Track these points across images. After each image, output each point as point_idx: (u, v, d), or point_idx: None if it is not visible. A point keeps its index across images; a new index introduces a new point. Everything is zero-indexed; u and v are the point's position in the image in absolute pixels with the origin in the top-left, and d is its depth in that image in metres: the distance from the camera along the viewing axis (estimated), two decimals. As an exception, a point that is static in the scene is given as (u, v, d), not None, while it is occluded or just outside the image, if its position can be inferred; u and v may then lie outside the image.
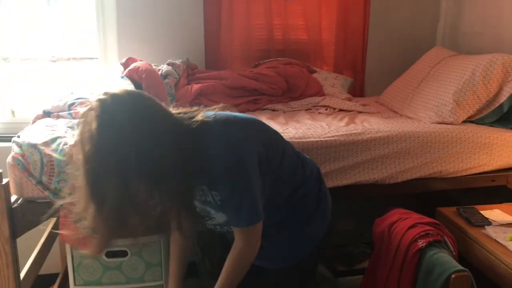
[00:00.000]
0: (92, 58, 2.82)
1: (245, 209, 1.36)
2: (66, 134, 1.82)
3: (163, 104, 1.35)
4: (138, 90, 1.38)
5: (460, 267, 1.43)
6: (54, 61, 2.77)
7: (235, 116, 1.44)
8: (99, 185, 1.23)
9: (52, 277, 2.59)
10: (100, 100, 1.24)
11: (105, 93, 1.26)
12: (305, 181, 1.54)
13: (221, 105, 1.46)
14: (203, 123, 1.34)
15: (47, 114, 2.10)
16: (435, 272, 1.46)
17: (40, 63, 2.75)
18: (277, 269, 1.55)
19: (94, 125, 1.21)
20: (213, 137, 1.33)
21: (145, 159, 1.23)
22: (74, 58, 2.80)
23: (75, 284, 1.97)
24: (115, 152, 1.21)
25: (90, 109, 1.24)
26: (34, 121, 2.08)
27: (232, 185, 1.34)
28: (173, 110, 1.38)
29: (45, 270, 2.44)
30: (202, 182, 1.38)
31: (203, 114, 1.38)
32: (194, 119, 1.34)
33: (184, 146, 1.29)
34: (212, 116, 1.38)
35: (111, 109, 1.23)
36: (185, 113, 1.38)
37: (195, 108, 1.41)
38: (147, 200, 1.32)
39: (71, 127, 1.90)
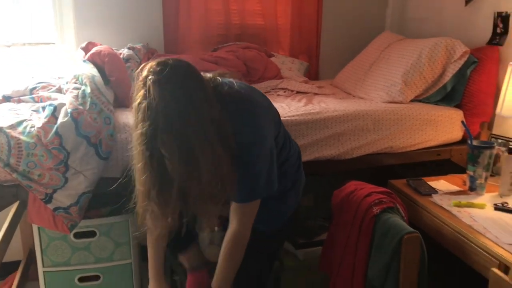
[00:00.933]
0: (49, 43, 2.78)
1: (247, 183, 1.41)
2: (32, 117, 1.83)
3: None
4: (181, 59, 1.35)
5: (411, 229, 1.57)
6: (9, 47, 2.72)
7: (252, 90, 1.48)
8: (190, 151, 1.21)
9: (14, 265, 2.57)
10: (159, 70, 1.22)
11: (158, 63, 1.24)
12: (288, 159, 1.63)
13: (229, 72, 1.50)
14: (228, 93, 1.37)
15: (7, 98, 2.08)
16: (389, 235, 1.60)
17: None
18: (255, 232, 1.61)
19: (161, 96, 1.19)
20: (238, 111, 1.37)
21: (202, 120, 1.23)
22: (29, 43, 2.76)
23: (43, 266, 1.99)
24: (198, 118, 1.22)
25: (149, 83, 1.21)
26: (-6, 106, 2.07)
27: (248, 158, 1.38)
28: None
29: (6, 258, 2.43)
30: None
31: (222, 81, 1.40)
32: (219, 88, 1.37)
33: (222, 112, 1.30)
34: (233, 86, 1.39)
35: (172, 78, 1.22)
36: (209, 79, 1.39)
37: (209, 74, 1.42)
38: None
39: (36, 111, 1.91)
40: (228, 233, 1.48)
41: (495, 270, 1.47)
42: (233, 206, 1.47)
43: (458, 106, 2.39)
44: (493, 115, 2.31)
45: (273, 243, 1.74)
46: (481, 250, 1.58)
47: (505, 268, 1.48)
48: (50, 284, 2.02)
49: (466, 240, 1.65)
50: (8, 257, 2.57)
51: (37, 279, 2.05)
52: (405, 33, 2.97)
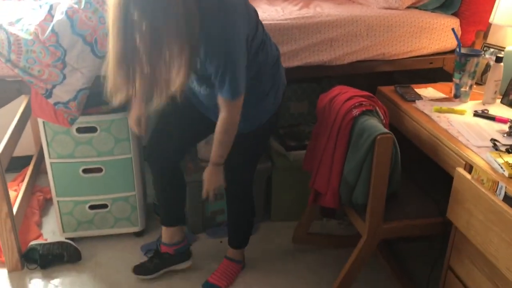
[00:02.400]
0: None
1: (229, 82, 1.54)
2: (30, 15, 1.90)
3: None
4: None
5: (385, 130, 1.66)
6: None
7: None
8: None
9: (27, 159, 2.77)
10: None
11: None
12: (266, 62, 1.73)
13: None
14: None
15: (7, -3, 2.13)
16: (364, 136, 1.69)
17: None
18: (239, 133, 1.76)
19: None
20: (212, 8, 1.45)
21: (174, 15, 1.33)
22: None
23: (50, 157, 2.16)
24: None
25: None
26: (-5, 5, 2.13)
27: (224, 57, 1.50)
28: None
29: (19, 152, 2.61)
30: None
31: None
32: None
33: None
34: None
35: None
36: None
37: None
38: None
39: (34, 9, 1.97)
40: (219, 120, 1.65)
41: (460, 169, 1.58)
42: (220, 99, 1.61)
43: (455, 14, 2.36)
44: (490, 24, 2.29)
45: (254, 142, 1.89)
46: (451, 152, 1.68)
47: (470, 168, 1.59)
48: (57, 175, 2.20)
49: (439, 143, 1.75)
50: (23, 151, 2.78)
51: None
52: None
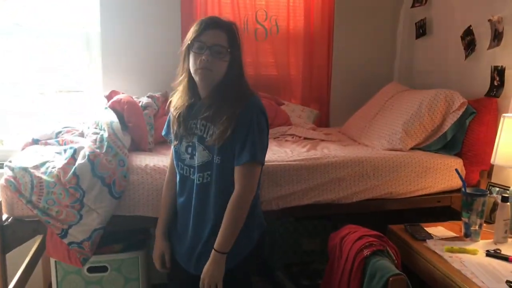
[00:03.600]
0: (78, 91, 3.04)
1: (252, 145, 1.62)
2: (54, 159, 2.03)
3: None
4: None
5: (397, 271, 1.65)
6: (42, 94, 2.99)
7: None
8: None
9: (35, 297, 2.72)
10: None
11: None
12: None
13: None
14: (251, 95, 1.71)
15: (35, 141, 2.30)
16: (377, 277, 1.67)
17: (29, 96, 2.97)
18: None
19: None
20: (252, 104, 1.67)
21: None
22: (61, 91, 3.03)
23: (58, 299, 2.14)
24: None
25: None
26: (23, 148, 2.28)
27: (251, 126, 1.62)
28: None
29: (28, 288, 2.57)
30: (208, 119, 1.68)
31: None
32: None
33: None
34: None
35: None
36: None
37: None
38: None
39: (59, 153, 2.11)
40: (232, 197, 1.64)
41: (478, 314, 1.53)
42: (236, 170, 1.65)
43: (458, 155, 2.47)
44: (492, 164, 2.37)
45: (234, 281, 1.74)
46: (467, 295, 1.64)
47: (488, 312, 1.53)
48: (64, 316, 2.15)
49: (454, 285, 1.71)
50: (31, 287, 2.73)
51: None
52: (412, 84, 3.11)
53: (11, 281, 2.16)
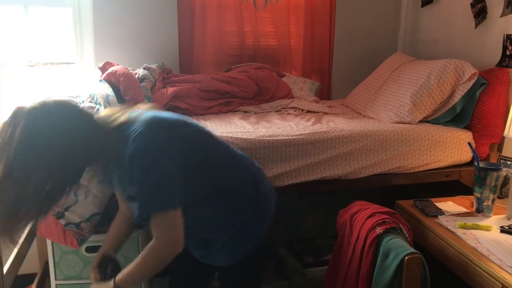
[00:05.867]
0: (69, 63, 2.90)
1: (153, 193, 1.36)
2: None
3: (84, 109, 1.44)
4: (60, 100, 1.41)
5: (413, 250, 1.58)
6: (32, 66, 2.84)
7: (157, 117, 1.45)
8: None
9: (30, 277, 2.64)
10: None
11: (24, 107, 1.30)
12: (230, 186, 1.54)
13: (147, 105, 1.51)
14: (124, 123, 1.40)
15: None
16: (391, 255, 1.61)
17: (17, 68, 2.82)
18: (227, 266, 1.60)
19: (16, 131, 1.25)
20: (132, 137, 1.36)
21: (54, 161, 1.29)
22: (51, 63, 2.88)
23: (56, 279, 2.05)
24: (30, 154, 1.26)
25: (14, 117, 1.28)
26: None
27: (141, 174, 1.35)
28: (101, 113, 1.49)
29: (22, 270, 2.50)
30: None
31: (128, 115, 1.44)
32: (115, 121, 1.41)
33: (94, 146, 1.36)
34: (137, 116, 1.42)
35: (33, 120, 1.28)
36: (109, 116, 1.44)
37: (121, 108, 1.49)
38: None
39: None
40: (151, 246, 1.43)
41: (497, 293, 1.47)
42: (151, 222, 1.42)
43: (467, 128, 2.39)
44: (503, 137, 2.30)
45: (241, 278, 1.66)
46: (484, 273, 1.58)
47: (507, 291, 1.48)
48: (62, 297, 2.08)
49: (470, 262, 1.65)
50: (25, 269, 2.65)
51: (51, 292, 2.11)
52: (417, 55, 3.00)
53: (6, 260, 2.08)
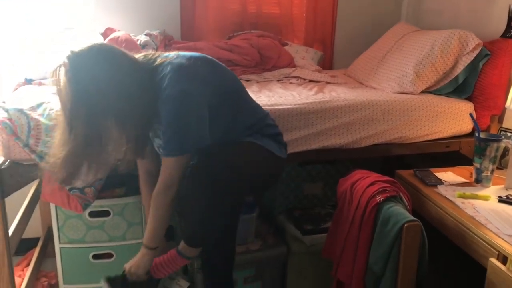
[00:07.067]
0: (69, 28, 2.85)
1: (173, 138, 1.52)
2: (51, 100, 1.91)
3: (123, 50, 1.56)
4: (100, 42, 1.58)
5: (412, 218, 1.61)
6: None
7: (191, 56, 1.62)
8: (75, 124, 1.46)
9: (33, 241, 2.69)
10: (68, 57, 1.44)
11: (71, 51, 1.45)
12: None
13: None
14: (161, 63, 1.56)
15: (28, 81, 2.17)
16: (390, 223, 1.64)
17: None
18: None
19: (66, 77, 1.42)
20: (167, 75, 1.52)
21: (113, 101, 1.46)
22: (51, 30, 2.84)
23: (60, 243, 2.09)
24: (89, 98, 1.44)
25: (60, 66, 1.44)
26: (15, 89, 2.15)
27: (170, 112, 1.51)
28: (135, 55, 1.61)
29: (25, 235, 2.53)
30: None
31: (163, 55, 1.61)
32: (154, 60, 1.58)
33: (146, 85, 1.52)
34: (170, 57, 1.60)
35: (78, 63, 1.44)
36: (145, 56, 1.61)
37: (156, 52, 1.65)
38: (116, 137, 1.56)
39: (55, 94, 1.99)
40: (156, 185, 1.60)
41: (494, 260, 1.51)
42: (162, 159, 1.59)
43: (469, 99, 2.39)
44: (504, 108, 2.31)
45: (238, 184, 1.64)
46: (481, 241, 1.61)
47: (503, 258, 1.51)
48: (66, 260, 2.12)
49: (467, 231, 1.68)
50: (28, 234, 2.68)
51: (54, 255, 2.15)
52: (421, 25, 2.97)
53: (11, 224, 2.11)
